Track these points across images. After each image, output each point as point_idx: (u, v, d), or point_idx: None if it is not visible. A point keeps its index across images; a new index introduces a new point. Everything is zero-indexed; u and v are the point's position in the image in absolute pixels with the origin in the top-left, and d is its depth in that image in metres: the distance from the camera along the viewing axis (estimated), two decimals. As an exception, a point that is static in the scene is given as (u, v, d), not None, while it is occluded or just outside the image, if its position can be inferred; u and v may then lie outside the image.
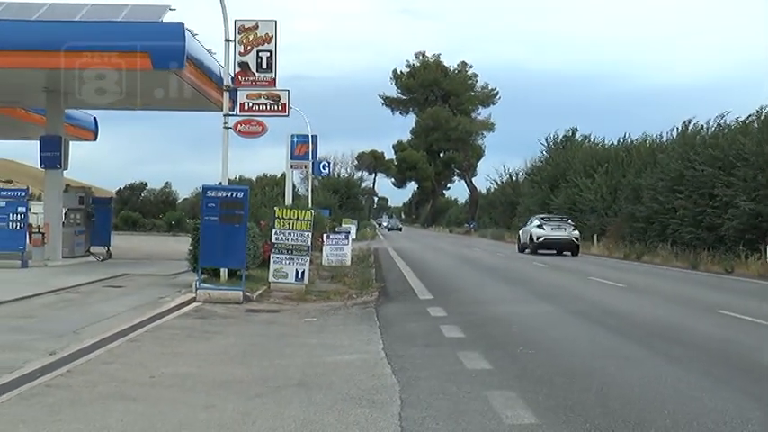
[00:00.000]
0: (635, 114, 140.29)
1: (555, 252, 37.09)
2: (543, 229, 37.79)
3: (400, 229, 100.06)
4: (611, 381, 8.19)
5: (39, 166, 24.22)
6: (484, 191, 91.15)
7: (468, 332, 11.44)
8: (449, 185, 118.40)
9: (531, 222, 39.92)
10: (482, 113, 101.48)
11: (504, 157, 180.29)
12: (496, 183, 79.49)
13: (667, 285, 21.65)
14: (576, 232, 38.31)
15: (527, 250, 38.20)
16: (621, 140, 51.89)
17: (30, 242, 22.05)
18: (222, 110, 17.92)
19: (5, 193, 22.55)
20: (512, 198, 68.74)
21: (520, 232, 41.85)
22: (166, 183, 69.68)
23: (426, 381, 8.03)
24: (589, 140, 59.27)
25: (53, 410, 6.69)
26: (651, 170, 39.10)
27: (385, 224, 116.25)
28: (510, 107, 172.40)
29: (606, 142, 55.81)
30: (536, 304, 15.90)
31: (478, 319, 13.21)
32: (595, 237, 42.98)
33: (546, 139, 63.97)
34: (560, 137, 62.78)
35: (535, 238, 37.62)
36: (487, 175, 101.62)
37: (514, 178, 74.37)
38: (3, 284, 16.34)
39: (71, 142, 25.64)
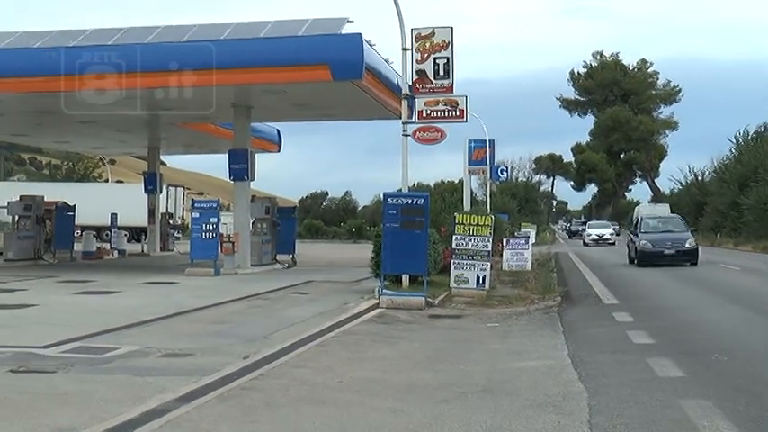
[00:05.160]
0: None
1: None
2: None
3: None
4: (817, 390, 7.68)
5: (227, 179, 25.26)
6: (667, 191, 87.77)
7: (657, 338, 11.04)
8: (630, 187, 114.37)
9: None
10: (664, 112, 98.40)
11: (688, 156, 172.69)
12: (681, 183, 76.53)
13: None
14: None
15: None
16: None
17: (221, 251, 23.10)
18: (401, 118, 18.10)
19: (199, 205, 23.78)
20: (698, 198, 65.88)
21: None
22: (347, 191, 71.50)
23: (615, 388, 7.80)
24: (783, 135, 56.06)
25: (249, 412, 6.96)
26: None
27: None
28: (694, 104, 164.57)
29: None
30: (728, 309, 15.14)
31: (668, 324, 12.73)
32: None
33: (735, 136, 61.16)
34: (750, 133, 59.71)
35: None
36: (671, 175, 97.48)
37: (700, 178, 71.32)
38: (199, 291, 17.28)
39: (257, 154, 26.71)
